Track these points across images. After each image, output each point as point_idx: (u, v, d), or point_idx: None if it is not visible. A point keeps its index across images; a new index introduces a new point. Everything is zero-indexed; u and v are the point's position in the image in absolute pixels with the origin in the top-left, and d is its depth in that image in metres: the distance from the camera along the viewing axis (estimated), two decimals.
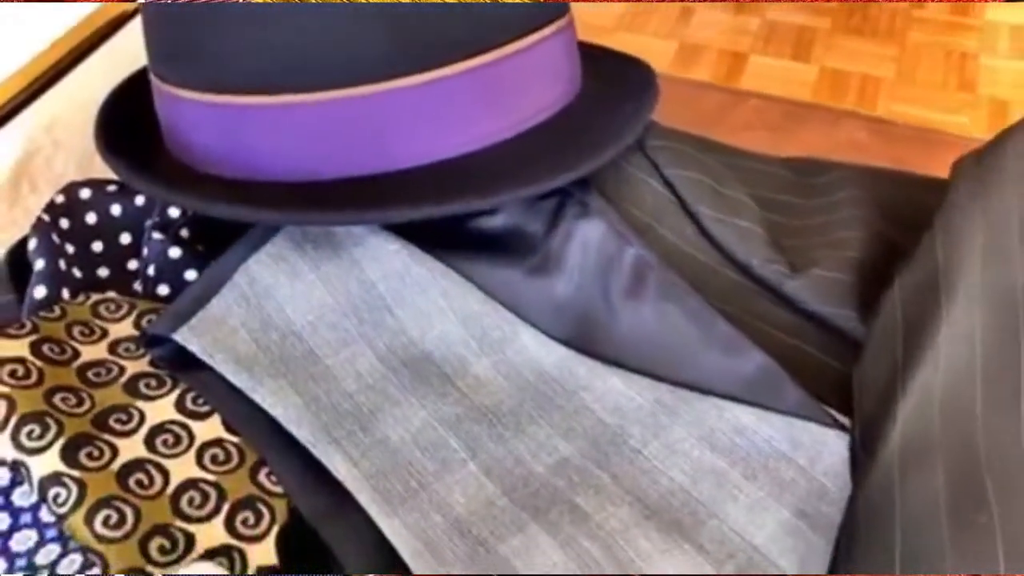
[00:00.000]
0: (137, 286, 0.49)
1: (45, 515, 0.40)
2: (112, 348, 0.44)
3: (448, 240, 0.48)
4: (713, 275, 0.49)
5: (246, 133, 0.48)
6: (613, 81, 0.55)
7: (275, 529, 0.39)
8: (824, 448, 0.41)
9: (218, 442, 0.41)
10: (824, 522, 0.39)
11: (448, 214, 0.46)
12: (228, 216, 0.47)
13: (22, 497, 0.40)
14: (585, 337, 0.46)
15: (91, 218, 0.50)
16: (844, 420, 0.42)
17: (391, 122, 0.47)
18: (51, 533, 0.39)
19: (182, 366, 0.44)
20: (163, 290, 0.48)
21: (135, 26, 0.71)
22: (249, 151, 0.49)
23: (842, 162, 0.55)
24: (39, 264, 0.47)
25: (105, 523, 0.37)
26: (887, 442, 0.39)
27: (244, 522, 0.38)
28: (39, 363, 0.42)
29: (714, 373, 0.44)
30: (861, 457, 0.39)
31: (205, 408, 0.42)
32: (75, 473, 0.38)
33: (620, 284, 0.47)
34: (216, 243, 0.49)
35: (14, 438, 0.39)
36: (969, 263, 0.44)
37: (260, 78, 0.46)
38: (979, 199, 0.46)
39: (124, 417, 0.41)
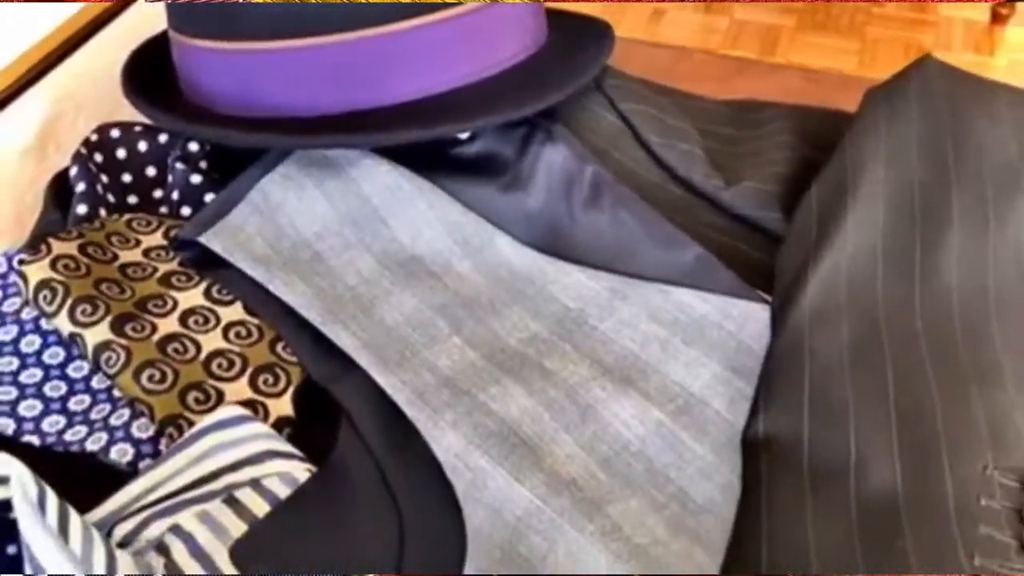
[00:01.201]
0: (163, 210, 0.57)
1: (96, 383, 0.47)
2: (146, 253, 0.52)
3: (433, 163, 0.56)
4: (661, 191, 0.57)
5: (257, 75, 0.56)
6: (575, 34, 0.63)
7: (291, 389, 0.46)
8: (750, 317, 0.48)
9: (241, 323, 0.48)
10: (749, 373, 0.46)
11: (433, 137, 0.54)
12: (243, 144, 0.55)
13: (76, 371, 0.48)
14: (551, 241, 0.54)
15: (121, 153, 0.58)
16: (767, 297, 0.49)
17: (387, 62, 0.55)
18: (102, 396, 0.46)
19: (207, 265, 0.51)
20: (186, 211, 0.56)
21: (142, 3, 0.79)
22: (260, 91, 0.56)
23: (776, 102, 0.63)
24: (80, 187, 0.54)
25: (150, 379, 0.44)
26: (800, 306, 0.47)
27: (265, 382, 0.46)
28: (86, 260, 0.49)
29: (660, 265, 0.52)
30: (779, 324, 0.47)
31: (228, 298, 0.50)
32: (122, 341, 0.45)
33: (580, 197, 0.55)
34: (231, 172, 0.56)
35: (70, 315, 0.46)
36: (873, 166, 0.52)
37: (270, 26, 0.54)
38: (883, 117, 0.54)
39: (160, 303, 0.48)
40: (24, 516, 0.34)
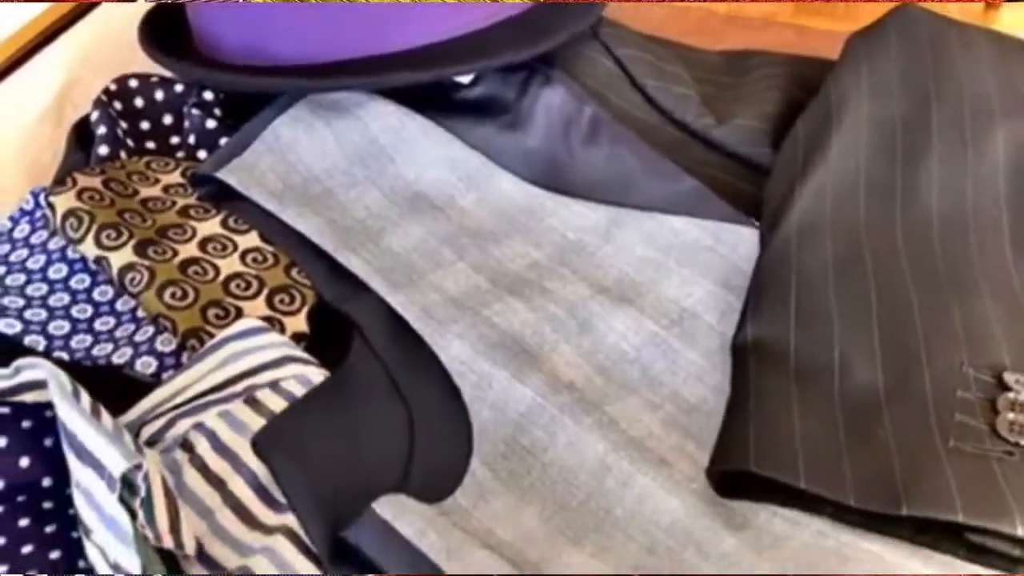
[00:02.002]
0: (180, 155, 0.59)
1: (120, 305, 0.50)
2: (165, 190, 0.55)
3: (437, 106, 0.58)
4: (656, 131, 0.59)
5: (266, 28, 0.59)
6: None
7: (306, 308, 0.49)
8: (741, 240, 0.51)
9: (256, 249, 0.51)
10: (739, 290, 0.49)
11: (436, 79, 0.57)
12: (256, 89, 0.58)
13: (101, 295, 0.50)
14: (551, 178, 0.57)
15: (139, 102, 0.61)
16: (756, 223, 0.52)
17: (389, 14, 0.57)
18: (126, 317, 0.49)
19: (223, 199, 0.54)
20: (202, 154, 0.58)
21: None
22: (269, 42, 0.59)
23: (768, 51, 0.66)
24: (101, 130, 0.57)
25: (172, 296, 0.47)
26: (787, 225, 0.49)
27: (280, 301, 0.48)
28: (109, 193, 0.52)
29: (655, 196, 0.54)
30: (766, 241, 0.50)
31: (244, 227, 0.52)
32: (145, 263, 0.48)
33: (579, 135, 0.57)
34: (243, 118, 0.59)
35: (96, 240, 0.49)
36: (856, 101, 0.55)
37: None
38: (864, 57, 0.57)
39: (180, 231, 0.51)
40: (61, 404, 0.36)
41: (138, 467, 0.34)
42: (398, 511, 0.36)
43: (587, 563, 0.37)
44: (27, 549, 0.36)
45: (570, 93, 0.58)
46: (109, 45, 0.76)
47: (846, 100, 0.54)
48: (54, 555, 0.35)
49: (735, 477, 0.40)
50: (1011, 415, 0.40)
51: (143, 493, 0.34)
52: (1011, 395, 0.41)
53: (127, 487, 0.34)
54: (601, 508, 0.39)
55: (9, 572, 0.34)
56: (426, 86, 0.58)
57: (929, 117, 0.54)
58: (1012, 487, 0.37)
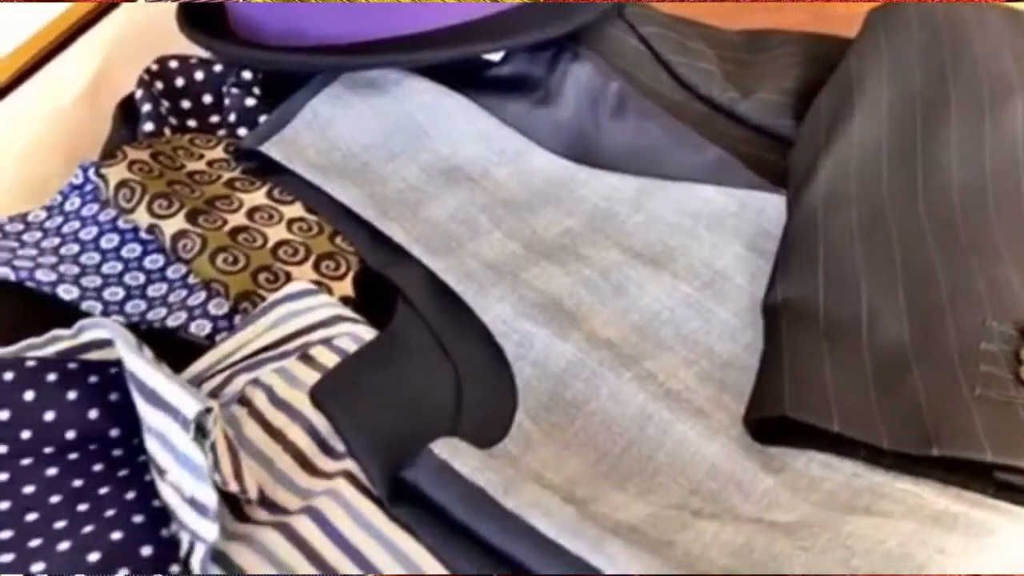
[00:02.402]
0: (220, 133, 0.61)
1: (171, 273, 0.52)
2: (209, 164, 0.56)
3: (469, 84, 0.60)
4: (681, 106, 0.61)
5: (303, 9, 0.61)
6: None
7: (351, 273, 0.51)
8: (768, 206, 0.53)
9: (301, 219, 0.53)
10: (767, 253, 0.51)
11: (469, 56, 0.58)
12: (295, 67, 0.60)
13: (152, 263, 0.52)
14: (581, 151, 0.58)
15: (179, 82, 0.62)
16: (782, 191, 0.54)
17: None
18: (177, 284, 0.51)
19: (266, 172, 0.56)
20: (242, 132, 0.60)
21: None
22: (305, 23, 0.61)
23: (786, 30, 0.68)
24: (146, 107, 0.59)
25: (224, 262, 0.49)
26: (812, 192, 0.51)
27: (327, 267, 0.50)
28: (158, 166, 0.54)
29: (682, 166, 0.56)
30: (793, 208, 0.52)
31: (289, 198, 0.54)
32: (197, 230, 0.50)
33: (606, 109, 0.59)
34: (281, 97, 0.61)
35: (148, 209, 0.51)
36: (876, 75, 0.56)
37: None
38: (883, 32, 0.58)
39: (227, 202, 0.53)
40: (129, 355, 0.38)
41: (208, 411, 0.35)
42: (453, 451, 0.38)
43: (632, 503, 0.39)
44: (104, 491, 0.37)
45: (597, 69, 0.60)
46: (139, 37, 0.78)
47: (867, 74, 0.56)
48: (129, 496, 0.37)
49: (771, 425, 0.42)
50: None
51: (212, 437, 0.36)
52: None
53: (199, 431, 0.36)
54: (643, 454, 0.41)
55: (88, 512, 0.36)
56: (459, 65, 0.60)
57: (947, 90, 0.55)
58: None
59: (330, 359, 0.44)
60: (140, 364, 0.38)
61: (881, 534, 0.35)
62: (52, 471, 0.38)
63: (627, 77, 0.62)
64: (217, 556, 0.36)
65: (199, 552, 0.34)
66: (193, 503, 0.35)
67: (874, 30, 0.59)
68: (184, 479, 0.35)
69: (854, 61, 0.58)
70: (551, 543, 0.34)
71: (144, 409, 0.37)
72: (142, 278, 0.51)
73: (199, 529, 0.34)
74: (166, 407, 0.36)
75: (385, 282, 0.51)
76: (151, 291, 0.50)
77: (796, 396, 0.42)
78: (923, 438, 0.39)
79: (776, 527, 0.36)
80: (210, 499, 0.34)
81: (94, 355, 0.42)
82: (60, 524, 0.35)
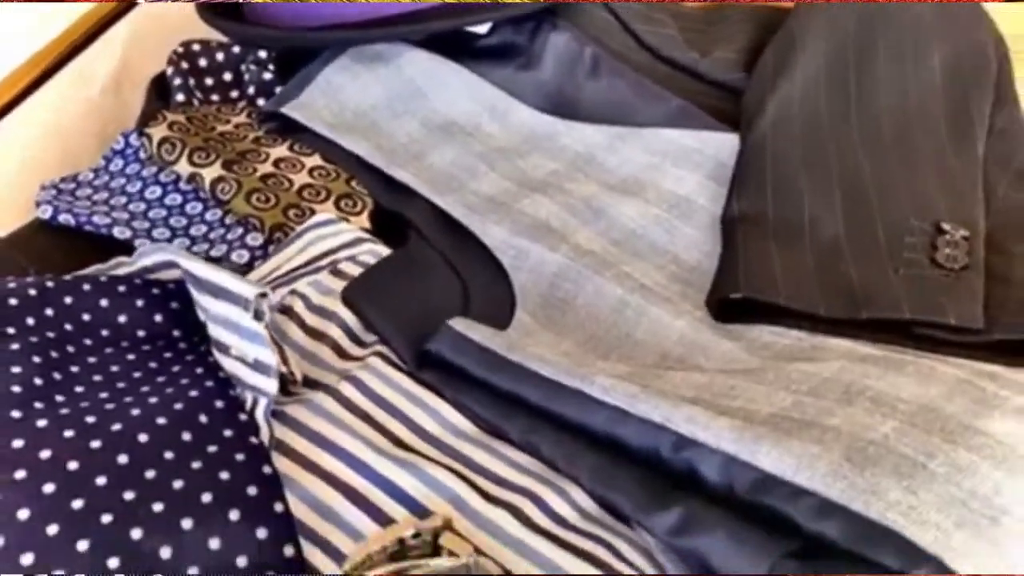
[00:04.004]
0: (241, 105, 0.69)
1: (209, 216, 0.59)
2: (236, 127, 0.64)
3: (461, 52, 0.69)
4: (648, 68, 0.70)
5: None
6: None
7: (367, 210, 0.58)
8: (724, 143, 0.61)
9: (321, 167, 0.61)
10: (725, 180, 0.59)
11: (457, 28, 0.67)
12: (307, 43, 0.68)
13: (192, 209, 0.60)
14: (560, 107, 0.67)
15: (203, 62, 0.70)
16: (736, 132, 0.62)
17: None
18: (216, 224, 0.59)
19: (286, 131, 0.64)
20: (260, 102, 0.68)
21: None
22: (312, 7, 0.69)
23: (741, 3, 0.76)
24: (176, 81, 0.67)
25: (258, 200, 0.57)
26: (762, 123, 0.59)
27: (346, 205, 0.58)
28: (193, 127, 0.62)
29: (650, 116, 0.64)
30: (746, 138, 0.60)
31: (308, 152, 0.62)
32: (233, 176, 0.58)
33: (583, 71, 0.67)
34: (294, 70, 0.69)
35: (189, 159, 0.59)
36: (815, 30, 0.65)
37: None
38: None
39: (255, 155, 0.61)
40: (189, 261, 0.46)
41: (263, 295, 0.43)
42: (467, 326, 0.46)
43: (615, 366, 0.46)
44: (176, 368, 0.45)
45: (573, 37, 0.69)
46: (156, 34, 0.86)
47: (807, 29, 0.65)
48: (198, 370, 0.45)
49: (728, 307, 0.50)
50: (947, 250, 0.50)
51: (267, 318, 0.43)
52: (947, 236, 0.51)
53: (256, 313, 0.43)
54: (622, 332, 0.49)
55: (166, 381, 0.44)
56: (451, 37, 0.68)
57: (875, 38, 0.64)
58: (947, 295, 0.48)
59: (356, 271, 0.52)
60: (201, 266, 0.45)
61: (817, 369, 0.43)
62: (131, 356, 0.45)
63: (599, 44, 0.70)
64: (274, 412, 0.43)
65: (262, 404, 0.42)
66: (256, 365, 0.42)
67: None
68: (247, 348, 0.43)
69: (795, 20, 0.67)
70: (551, 382, 0.42)
71: (207, 301, 0.45)
72: (184, 221, 0.59)
73: (262, 385, 0.42)
74: (228, 295, 0.44)
75: (395, 220, 0.58)
76: (193, 231, 0.58)
77: (749, 279, 0.50)
78: (854, 306, 0.48)
79: (734, 373, 0.44)
80: (270, 359, 0.42)
81: (153, 276, 0.50)
82: (145, 388, 0.43)
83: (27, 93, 0.78)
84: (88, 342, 0.46)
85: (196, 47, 0.71)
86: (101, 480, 0.37)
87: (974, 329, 0.46)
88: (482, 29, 0.70)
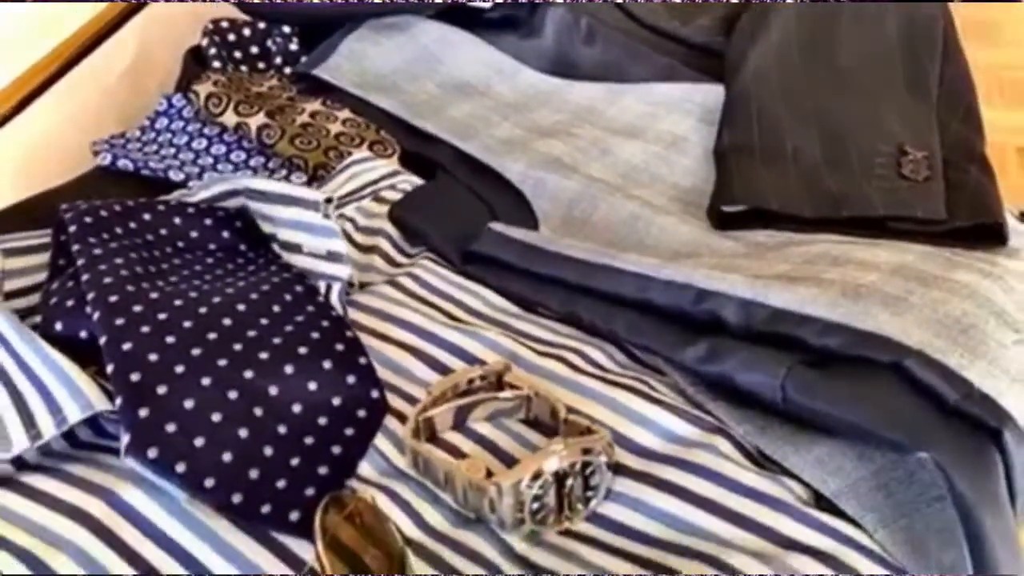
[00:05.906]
0: (269, 74, 0.76)
1: (253, 162, 0.66)
2: (270, 89, 0.71)
3: (470, 24, 0.76)
4: (635, 34, 0.78)
5: None
6: None
7: (396, 154, 0.65)
8: (711, 92, 0.69)
9: (352, 119, 0.68)
10: (713, 123, 0.67)
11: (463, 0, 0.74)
12: (331, 15, 0.75)
13: (236, 157, 0.66)
14: (561, 69, 0.74)
15: (231, 37, 0.77)
16: (720, 83, 0.70)
17: None
18: (260, 169, 0.65)
19: (317, 91, 0.70)
20: (287, 71, 0.75)
21: None
22: None
23: None
24: (212, 50, 0.73)
25: (301, 143, 0.63)
26: (744, 72, 0.68)
27: (378, 149, 0.65)
28: (233, 85, 0.68)
29: (640, 74, 0.72)
30: (731, 85, 0.68)
31: (339, 106, 0.69)
32: (276, 123, 0.64)
33: (580, 37, 0.75)
34: (317, 41, 0.75)
35: (235, 110, 0.65)
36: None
37: None
38: None
39: (292, 108, 0.67)
40: (256, 180, 0.52)
41: (329, 201, 0.49)
42: (506, 228, 0.53)
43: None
44: (251, 268, 0.51)
45: (568, 9, 0.77)
46: (171, 28, 0.92)
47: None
48: (272, 268, 0.51)
49: (726, 218, 0.57)
50: (911, 166, 0.59)
51: (332, 222, 0.50)
52: (910, 157, 0.59)
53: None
54: (636, 239, 0.56)
55: (244, 276, 0.50)
56: (459, 12, 0.76)
57: (841, 7, 0.73)
58: (912, 197, 0.55)
59: (396, 196, 0.58)
60: (270, 183, 0.52)
61: (805, 248, 0.50)
62: (209, 260, 0.51)
63: (591, 15, 0.78)
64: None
65: (336, 288, 0.48)
66: (329, 255, 0.49)
67: None
68: (319, 243, 0.49)
69: None
70: (585, 262, 0.49)
71: (277, 211, 0.51)
72: (231, 168, 0.65)
73: (336, 272, 0.48)
74: (298, 202, 0.50)
75: (424, 160, 0.65)
76: (238, 174, 0.64)
77: (743, 191, 0.57)
78: (835, 207, 0.55)
79: (737, 257, 0.51)
80: (343, 247, 0.48)
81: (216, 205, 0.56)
82: (229, 280, 0.49)
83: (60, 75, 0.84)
84: (169, 249, 0.52)
85: (224, 24, 0.78)
86: (212, 335, 0.43)
87: (938, 220, 0.53)
88: (486, 4, 0.77)
